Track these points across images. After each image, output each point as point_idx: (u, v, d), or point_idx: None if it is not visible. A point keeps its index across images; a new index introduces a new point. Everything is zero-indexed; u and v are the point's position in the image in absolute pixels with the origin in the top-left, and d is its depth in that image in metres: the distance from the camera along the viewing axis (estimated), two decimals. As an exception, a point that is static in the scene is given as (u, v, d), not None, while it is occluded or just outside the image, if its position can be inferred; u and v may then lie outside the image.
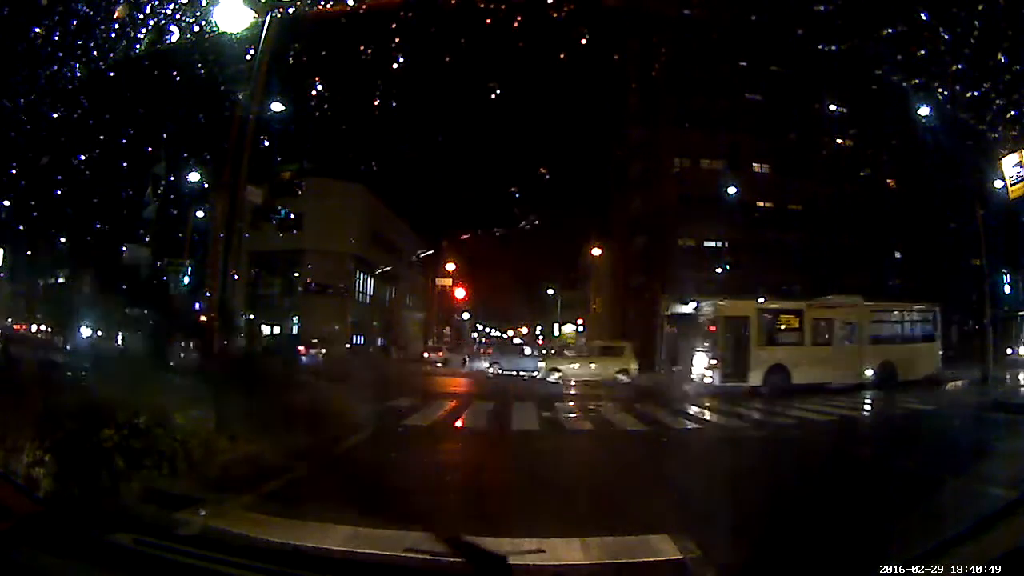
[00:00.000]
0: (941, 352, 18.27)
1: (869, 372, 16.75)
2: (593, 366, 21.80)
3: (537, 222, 37.95)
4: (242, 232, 7.71)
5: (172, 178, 26.38)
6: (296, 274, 35.18)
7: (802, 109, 33.54)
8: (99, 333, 33.66)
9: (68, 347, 27.38)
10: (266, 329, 33.33)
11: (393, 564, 2.05)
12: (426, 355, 34.49)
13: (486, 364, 27.84)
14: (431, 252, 41.91)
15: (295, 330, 32.98)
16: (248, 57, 7.89)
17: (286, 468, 5.64)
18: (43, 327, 36.05)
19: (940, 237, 31.25)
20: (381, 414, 10.02)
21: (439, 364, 30.98)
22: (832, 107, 34.19)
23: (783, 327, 17.24)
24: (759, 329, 16.86)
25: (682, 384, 17.86)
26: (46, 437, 3.93)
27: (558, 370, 21.69)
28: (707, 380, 16.92)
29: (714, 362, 16.87)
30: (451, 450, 8.10)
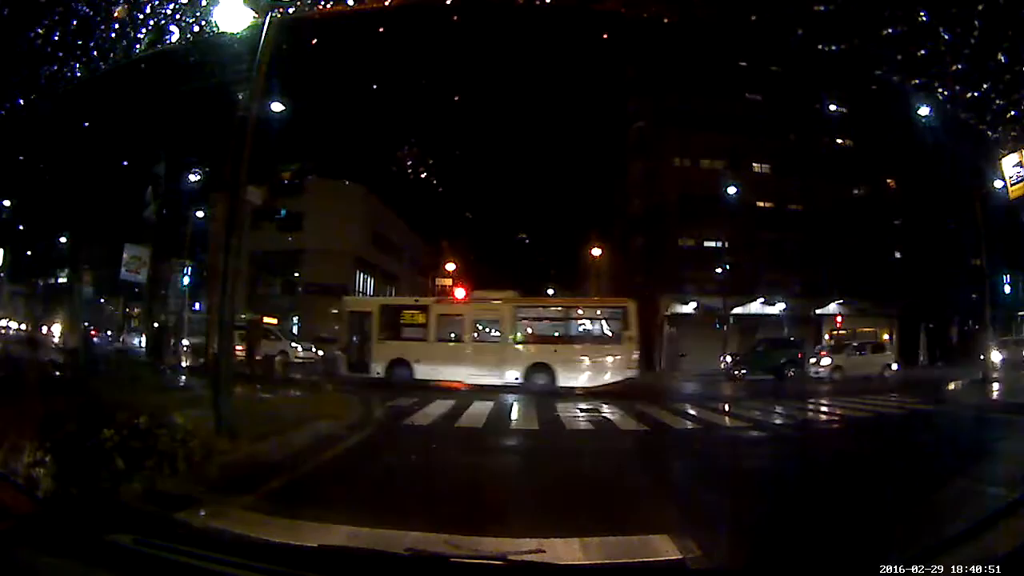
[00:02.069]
0: (637, 355, 16.20)
1: (515, 373, 15.64)
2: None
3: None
4: (243, 233, 7.70)
5: (172, 178, 26.37)
6: (296, 274, 35.19)
7: (802, 109, 33.60)
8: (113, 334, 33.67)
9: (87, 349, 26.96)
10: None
11: (393, 564, 2.05)
12: None
13: None
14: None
15: (295, 330, 32.92)
16: (248, 57, 7.87)
17: (286, 468, 5.65)
18: (52, 328, 36.05)
19: (940, 237, 31.29)
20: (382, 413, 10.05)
21: None
22: (832, 107, 34.25)
23: (407, 322, 16.92)
24: (380, 324, 16.80)
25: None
26: (46, 437, 3.93)
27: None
28: (338, 370, 17.23)
29: (339, 353, 17.30)
30: (450, 449, 8.09)
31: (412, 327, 16.83)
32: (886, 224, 33.66)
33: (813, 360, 22.06)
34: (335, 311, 19.52)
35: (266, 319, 27.27)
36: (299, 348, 24.49)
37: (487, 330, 16.63)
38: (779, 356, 23.89)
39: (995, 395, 14.55)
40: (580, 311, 16.98)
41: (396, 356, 16.32)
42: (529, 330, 16.48)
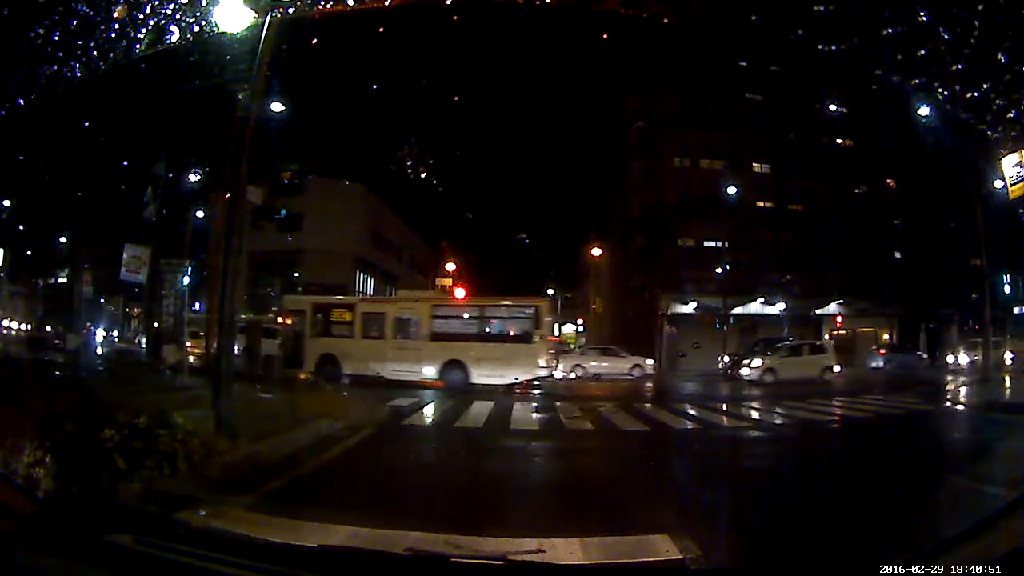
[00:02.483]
0: (548, 354, 16.87)
1: (431, 369, 16.21)
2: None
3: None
4: (243, 233, 7.69)
5: (172, 177, 26.37)
6: (296, 274, 35.16)
7: (802, 109, 33.57)
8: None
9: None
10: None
11: (393, 564, 2.05)
12: None
13: None
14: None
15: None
16: (248, 57, 7.86)
17: (286, 468, 5.65)
18: (52, 328, 35.96)
19: (940, 237, 31.27)
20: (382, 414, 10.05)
21: None
22: (832, 107, 34.23)
23: (336, 320, 17.59)
24: (312, 321, 17.56)
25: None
26: (46, 437, 3.93)
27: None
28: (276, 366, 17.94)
29: (277, 351, 18.21)
30: (450, 449, 8.10)
31: (340, 325, 17.45)
32: (886, 224, 33.64)
33: (746, 361, 21.28)
34: (274, 309, 20.66)
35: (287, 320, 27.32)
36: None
37: (408, 328, 17.04)
38: None
39: (994, 395, 14.55)
40: (493, 311, 17.29)
41: (325, 352, 16.86)
42: (445, 328, 16.85)
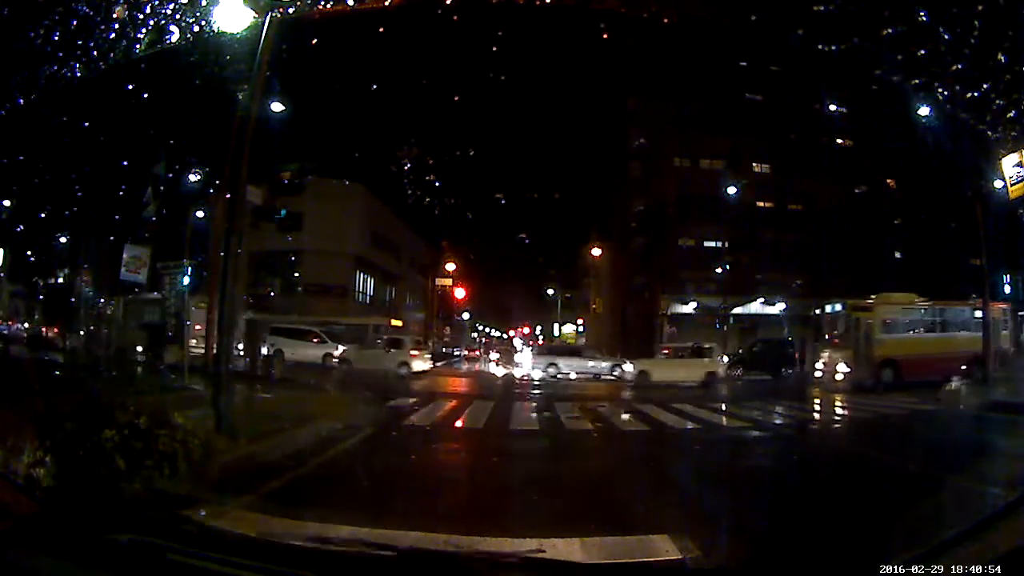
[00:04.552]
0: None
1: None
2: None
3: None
4: (242, 233, 7.68)
5: (172, 177, 26.31)
6: (296, 274, 35.14)
7: (802, 109, 33.57)
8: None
9: None
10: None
11: (393, 564, 2.05)
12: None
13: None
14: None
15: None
16: (248, 57, 7.84)
17: (286, 468, 5.65)
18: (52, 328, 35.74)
19: (940, 237, 31.24)
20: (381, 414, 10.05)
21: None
22: (832, 107, 34.20)
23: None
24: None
25: None
26: (46, 437, 3.92)
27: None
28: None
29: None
30: (450, 449, 8.10)
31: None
32: (886, 224, 33.63)
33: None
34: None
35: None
36: (342, 351, 24.77)
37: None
38: (774, 356, 23.93)
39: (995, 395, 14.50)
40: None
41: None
42: None
